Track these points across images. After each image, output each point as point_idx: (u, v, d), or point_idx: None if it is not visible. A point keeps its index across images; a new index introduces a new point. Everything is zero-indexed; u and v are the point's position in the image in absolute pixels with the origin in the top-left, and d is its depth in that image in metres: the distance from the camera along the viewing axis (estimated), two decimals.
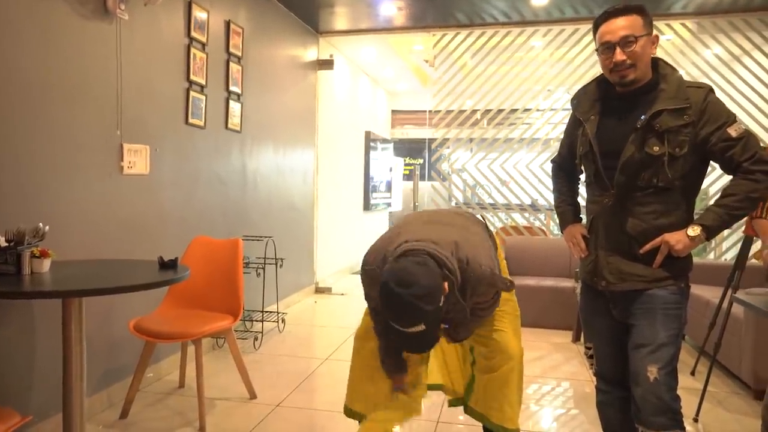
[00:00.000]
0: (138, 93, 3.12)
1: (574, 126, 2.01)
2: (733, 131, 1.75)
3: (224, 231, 4.10)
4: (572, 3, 4.96)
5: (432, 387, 2.35)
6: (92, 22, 2.78)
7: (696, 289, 4.13)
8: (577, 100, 1.97)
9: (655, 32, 1.83)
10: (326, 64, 6.08)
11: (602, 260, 1.88)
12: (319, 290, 6.14)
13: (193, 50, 3.63)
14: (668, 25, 5.34)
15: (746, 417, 2.97)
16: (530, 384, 3.44)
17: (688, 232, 1.77)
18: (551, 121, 5.96)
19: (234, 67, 4.16)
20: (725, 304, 3.48)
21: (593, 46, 5.46)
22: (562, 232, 2.12)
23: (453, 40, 5.82)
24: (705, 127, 1.75)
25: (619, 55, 1.74)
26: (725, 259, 5.61)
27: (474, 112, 6.03)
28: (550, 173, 2.26)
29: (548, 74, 5.83)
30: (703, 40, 5.40)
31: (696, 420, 2.90)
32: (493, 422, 2.16)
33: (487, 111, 6.03)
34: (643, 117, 1.76)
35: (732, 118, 1.77)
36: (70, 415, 2.13)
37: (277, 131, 4.95)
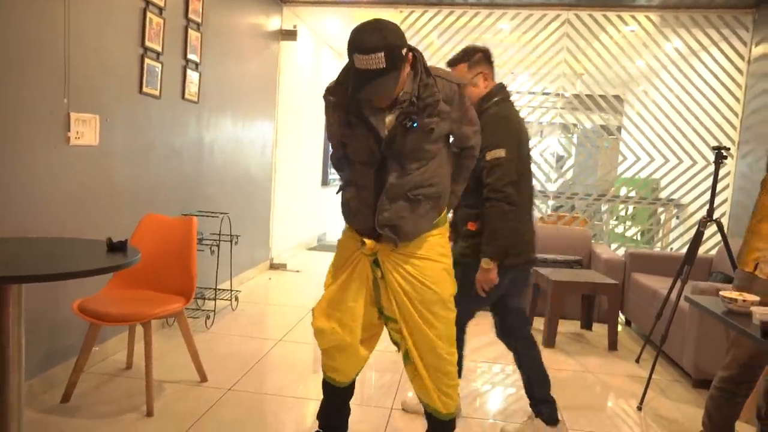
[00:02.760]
0: (88, 58, 2.93)
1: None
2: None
3: (178, 206, 3.96)
4: None
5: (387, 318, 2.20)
6: None
7: (643, 279, 4.28)
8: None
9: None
10: (290, 34, 5.89)
11: None
12: (273, 266, 6.05)
13: (149, 14, 3.42)
14: (633, 17, 5.40)
15: (687, 405, 3.10)
16: (482, 369, 3.49)
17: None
18: (517, 104, 5.97)
19: (193, 33, 3.97)
20: (674, 296, 3.60)
21: (560, 32, 5.47)
22: None
23: (420, 18, 5.72)
24: None
25: None
26: (671, 249, 5.81)
27: None
28: None
29: (514, 58, 5.82)
30: (665, 34, 5.49)
31: (640, 408, 3.01)
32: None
33: None
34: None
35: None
36: (7, 401, 2.01)
37: (236, 102, 4.78)
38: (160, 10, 3.55)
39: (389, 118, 1.96)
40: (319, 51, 7.47)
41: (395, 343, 2.20)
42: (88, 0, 2.90)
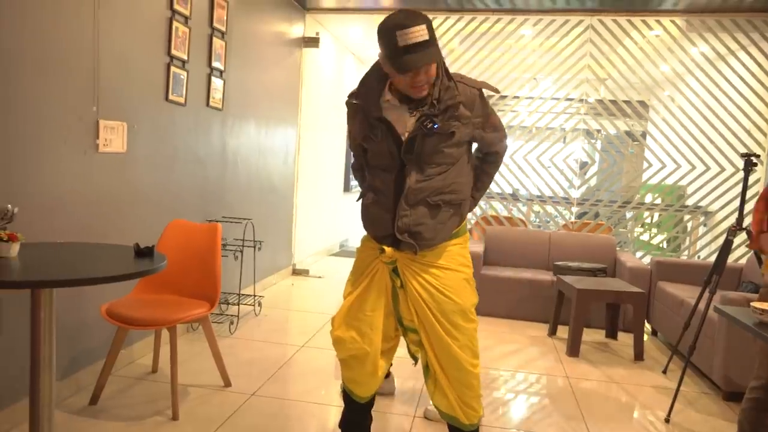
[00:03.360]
0: (116, 67, 2.99)
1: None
2: None
3: (202, 212, 4.00)
4: None
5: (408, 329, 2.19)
6: None
7: (669, 287, 4.20)
8: None
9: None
10: (312, 41, 5.93)
11: None
12: (296, 272, 6.08)
13: (175, 23, 3.48)
14: (658, 21, 5.33)
15: (716, 418, 3.03)
16: (505, 378, 3.46)
17: None
18: (540, 110, 5.94)
19: (217, 42, 4.02)
20: (702, 306, 3.53)
21: (583, 37, 5.42)
22: None
23: (442, 25, 5.72)
24: None
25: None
26: (698, 257, 5.70)
27: None
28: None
29: (537, 63, 5.79)
30: (690, 38, 5.40)
31: (667, 421, 2.94)
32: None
33: None
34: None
35: None
36: (37, 402, 2.05)
37: (259, 109, 4.83)
38: (186, 19, 3.60)
39: (410, 122, 1.97)
40: (342, 58, 7.52)
41: (413, 356, 2.18)
42: (117, 10, 2.96)
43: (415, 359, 2.20)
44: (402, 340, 2.25)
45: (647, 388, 3.41)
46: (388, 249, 2.01)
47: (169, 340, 2.67)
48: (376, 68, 2.02)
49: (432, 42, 1.82)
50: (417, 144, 1.94)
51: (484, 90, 2.04)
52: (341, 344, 2.13)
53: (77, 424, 2.54)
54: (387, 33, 1.82)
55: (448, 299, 2.04)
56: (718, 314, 2.76)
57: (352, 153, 2.23)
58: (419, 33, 1.79)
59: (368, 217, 2.10)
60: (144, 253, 2.22)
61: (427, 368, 2.12)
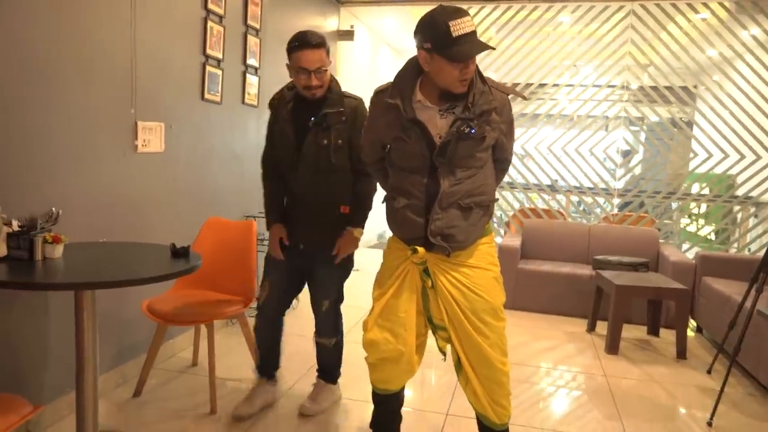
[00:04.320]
0: (153, 69, 3.05)
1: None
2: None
3: (239, 209, 4.07)
4: None
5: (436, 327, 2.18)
6: None
7: (715, 283, 4.05)
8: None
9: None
10: (347, 35, 5.93)
11: None
12: None
13: (210, 23, 3.53)
14: (705, 4, 5.11)
15: (763, 422, 2.92)
16: (541, 375, 3.42)
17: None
18: (581, 97, 5.79)
19: (252, 39, 4.07)
20: (748, 304, 3.39)
21: (624, 23, 5.25)
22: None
23: (477, 14, 5.63)
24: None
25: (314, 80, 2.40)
26: (749, 250, 5.48)
27: None
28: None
29: (577, 50, 5.64)
30: (740, 20, 5.16)
31: (710, 424, 2.86)
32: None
33: (515, 85, 5.86)
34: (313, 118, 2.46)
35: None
36: (83, 396, 2.14)
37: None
38: (221, 18, 3.65)
39: (441, 123, 1.95)
40: (377, 49, 7.49)
41: (441, 351, 2.18)
42: (152, 14, 3.02)
43: (444, 354, 2.20)
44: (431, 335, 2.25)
45: (689, 388, 3.32)
46: (420, 249, 2.01)
47: (206, 336, 2.74)
48: (408, 67, 2.01)
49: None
50: (451, 148, 1.93)
51: (510, 95, 2.03)
52: (375, 346, 2.14)
53: (122, 415, 2.64)
54: (437, 25, 1.81)
55: (480, 297, 2.03)
56: (761, 317, 2.65)
57: (362, 145, 2.25)
58: (471, 23, 1.82)
59: (398, 221, 2.09)
60: (180, 253, 2.28)
61: (458, 364, 2.12)
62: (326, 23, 5.59)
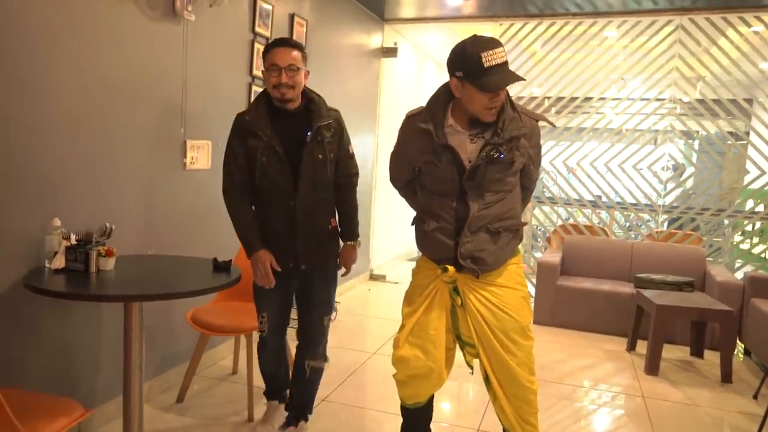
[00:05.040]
0: (201, 90, 3.23)
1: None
2: (350, 149, 2.59)
3: None
4: None
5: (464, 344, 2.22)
6: (160, 24, 2.89)
7: (765, 305, 3.92)
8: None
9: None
10: (390, 51, 6.05)
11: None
12: (373, 277, 6.23)
13: (256, 45, 3.70)
14: (758, 18, 4.96)
15: None
16: (577, 393, 3.39)
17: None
18: (628, 111, 5.70)
19: None
20: None
21: (672, 38, 5.14)
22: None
23: (521, 30, 5.64)
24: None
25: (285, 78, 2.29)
26: None
27: (543, 99, 5.86)
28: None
29: (624, 64, 5.57)
30: None
31: None
32: None
33: (559, 99, 5.83)
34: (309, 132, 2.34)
35: (349, 140, 2.57)
36: (129, 401, 2.29)
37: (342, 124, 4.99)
38: (267, 40, 3.81)
39: (471, 148, 2.01)
40: (421, 64, 7.58)
41: (469, 365, 2.22)
42: (203, 38, 3.20)
43: (471, 368, 2.24)
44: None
45: (733, 414, 3.22)
46: (450, 268, 2.06)
47: (245, 345, 2.86)
48: (441, 93, 2.07)
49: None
50: (480, 172, 1.99)
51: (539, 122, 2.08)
52: (405, 363, 2.19)
53: (165, 420, 2.79)
54: (470, 55, 1.88)
55: (509, 316, 2.07)
56: None
57: (391, 167, 2.32)
58: (503, 54, 1.89)
59: (428, 243, 2.15)
60: (222, 267, 2.41)
61: (487, 379, 2.16)
62: (371, 41, 5.72)
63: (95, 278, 2.19)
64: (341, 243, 2.61)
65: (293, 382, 2.65)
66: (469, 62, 1.88)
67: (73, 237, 2.30)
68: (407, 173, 2.23)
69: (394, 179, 2.34)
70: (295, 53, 2.33)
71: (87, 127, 2.51)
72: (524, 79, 1.97)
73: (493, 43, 1.88)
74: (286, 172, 2.32)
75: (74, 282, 2.12)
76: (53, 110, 2.34)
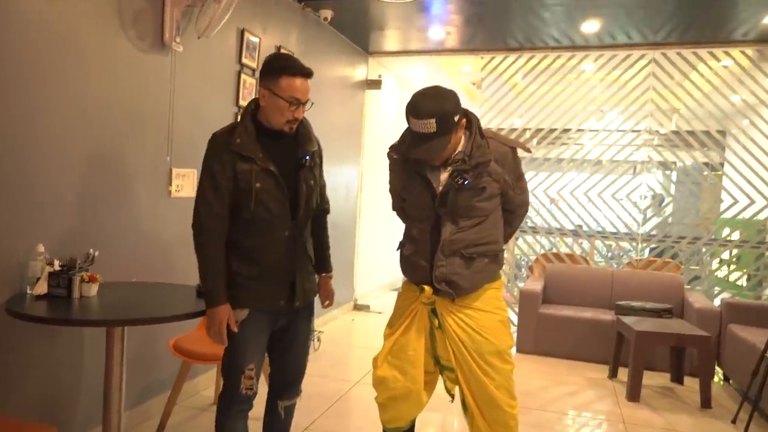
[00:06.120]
0: (188, 119, 3.28)
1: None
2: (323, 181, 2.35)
3: None
4: (625, 29, 4.88)
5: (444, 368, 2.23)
6: (149, 55, 2.95)
7: (741, 331, 4.00)
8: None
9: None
10: (374, 83, 6.17)
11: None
12: (357, 307, 6.22)
13: (243, 76, 3.78)
14: (726, 53, 5.18)
15: None
16: (559, 421, 3.40)
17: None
18: (606, 142, 5.84)
19: None
20: None
21: (646, 71, 5.30)
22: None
23: (502, 63, 5.81)
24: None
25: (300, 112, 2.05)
26: None
27: (524, 131, 5.99)
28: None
29: (602, 96, 5.74)
30: (762, 68, 5.20)
31: None
32: None
33: (539, 130, 5.97)
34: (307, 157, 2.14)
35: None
36: (109, 429, 2.27)
37: (323, 150, 5.05)
38: (253, 71, 3.89)
39: (444, 176, 2.07)
40: (405, 95, 7.71)
41: (449, 392, 2.24)
42: (190, 68, 3.27)
43: (452, 396, 2.26)
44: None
45: None
46: (427, 288, 2.10)
47: None
48: None
49: (439, 133, 1.94)
50: (450, 198, 2.05)
51: (515, 147, 2.14)
52: (384, 384, 2.21)
53: None
54: (406, 109, 2.00)
55: (485, 340, 2.10)
56: None
57: (392, 202, 2.35)
58: (426, 125, 1.93)
59: (407, 267, 2.21)
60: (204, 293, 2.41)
61: (464, 404, 2.18)
62: (355, 73, 5.84)
63: (77, 304, 2.19)
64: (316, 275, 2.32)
65: (267, 427, 2.32)
66: (406, 115, 2.02)
67: (56, 263, 2.30)
68: (401, 203, 2.27)
69: (396, 210, 2.35)
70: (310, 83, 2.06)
71: (73, 154, 2.54)
72: (441, 157, 2.03)
73: (423, 113, 1.93)
74: (284, 200, 2.04)
75: (56, 307, 2.12)
76: (40, 137, 2.38)
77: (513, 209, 2.23)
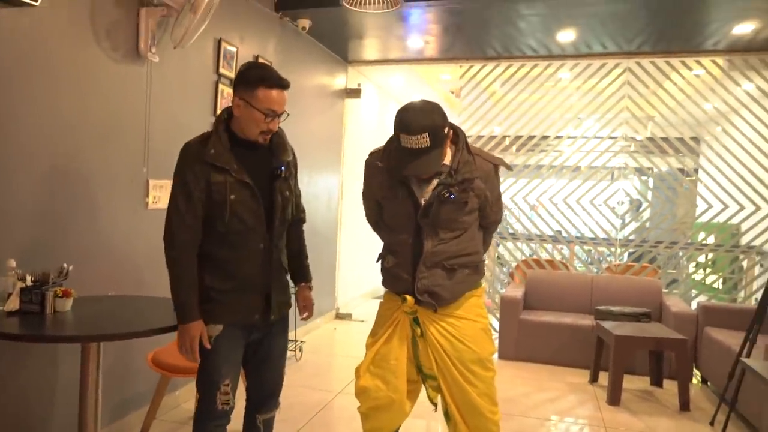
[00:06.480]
0: (165, 130, 3.25)
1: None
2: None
3: None
4: (600, 39, 4.96)
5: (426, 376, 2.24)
6: (124, 66, 2.92)
7: (717, 334, 4.06)
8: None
9: None
10: (354, 92, 6.18)
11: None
12: (339, 316, 6.20)
13: (221, 86, 3.76)
14: (698, 62, 5.29)
15: None
16: (541, 426, 3.42)
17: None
18: (583, 149, 5.91)
19: None
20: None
21: (621, 79, 5.39)
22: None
23: (480, 71, 5.86)
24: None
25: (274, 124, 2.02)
26: (756, 300, 5.46)
27: (503, 138, 6.05)
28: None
29: (579, 103, 5.81)
30: (733, 77, 5.32)
31: None
32: None
33: (518, 137, 6.02)
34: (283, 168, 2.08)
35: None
36: None
37: (303, 158, 4.99)
38: (231, 80, 3.87)
39: (429, 188, 2.09)
40: (385, 104, 7.76)
41: (432, 401, 2.25)
42: (167, 78, 3.24)
43: (435, 405, 2.26)
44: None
45: None
46: (410, 298, 2.11)
47: None
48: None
49: (433, 147, 1.95)
50: (433, 210, 2.06)
51: (497, 165, 2.17)
52: (366, 393, 2.21)
53: None
54: (396, 126, 2.00)
55: (467, 347, 2.12)
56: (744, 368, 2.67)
57: (364, 205, 2.35)
58: (420, 141, 1.94)
59: (389, 278, 2.22)
60: None
61: (446, 413, 2.18)
62: (334, 82, 5.85)
63: (51, 319, 2.14)
64: (292, 285, 2.28)
65: None
66: (394, 128, 2.02)
67: (28, 278, 2.25)
68: (376, 211, 2.29)
69: (368, 217, 2.38)
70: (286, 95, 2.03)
71: (46, 165, 2.50)
72: (434, 170, 2.03)
73: (415, 129, 1.93)
74: (259, 211, 2.00)
75: (28, 324, 2.08)
76: (12, 148, 2.34)
77: (488, 225, 2.26)
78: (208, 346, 1.99)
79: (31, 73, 2.40)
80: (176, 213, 1.98)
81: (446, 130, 2.00)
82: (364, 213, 2.39)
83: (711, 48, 5.06)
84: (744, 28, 4.50)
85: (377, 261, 2.29)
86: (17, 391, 2.41)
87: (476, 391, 2.11)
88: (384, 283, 2.26)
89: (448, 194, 2.04)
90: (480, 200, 2.11)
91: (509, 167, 2.25)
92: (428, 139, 1.93)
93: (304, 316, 2.35)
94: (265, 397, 2.23)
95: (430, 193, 2.07)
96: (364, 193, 2.33)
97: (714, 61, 5.25)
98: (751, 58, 5.11)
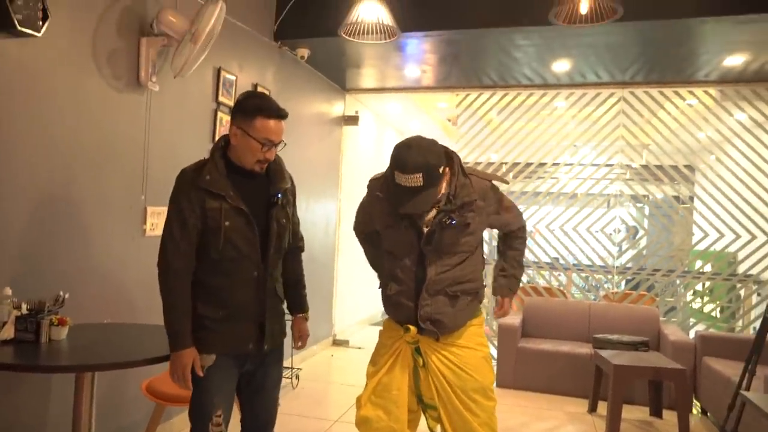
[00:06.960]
0: (163, 158, 3.27)
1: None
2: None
3: None
4: (594, 68, 5.03)
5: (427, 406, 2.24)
6: (125, 95, 2.95)
7: (716, 364, 4.03)
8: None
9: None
10: (351, 120, 6.24)
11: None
12: (336, 342, 6.15)
13: (220, 114, 3.79)
14: (690, 92, 5.36)
15: None
16: None
17: None
18: (580, 176, 5.96)
19: None
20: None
21: (616, 109, 5.46)
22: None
23: (477, 100, 5.93)
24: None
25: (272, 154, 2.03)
26: (754, 329, 5.44)
27: (500, 165, 6.09)
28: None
29: (575, 131, 5.87)
30: (725, 107, 5.40)
31: None
32: None
33: (515, 164, 6.07)
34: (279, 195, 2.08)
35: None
36: None
37: (301, 186, 5.02)
38: (230, 108, 3.91)
39: (430, 216, 2.10)
40: (382, 131, 7.82)
41: (431, 430, 2.23)
42: (166, 107, 3.28)
43: None
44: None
45: None
46: (412, 328, 2.11)
47: None
48: None
49: (426, 186, 1.96)
50: (436, 237, 2.09)
51: (493, 181, 2.19)
52: (367, 424, 2.19)
53: None
54: (392, 163, 2.01)
55: (470, 376, 2.12)
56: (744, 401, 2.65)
57: (357, 215, 2.37)
58: (414, 180, 1.95)
59: (391, 306, 2.22)
60: None
61: None
62: (332, 109, 5.91)
63: (45, 348, 2.13)
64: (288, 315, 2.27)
65: None
66: (391, 163, 2.03)
67: (24, 306, 2.24)
68: (369, 225, 2.31)
69: (357, 227, 2.41)
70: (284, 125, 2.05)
71: (45, 193, 2.51)
72: (428, 208, 2.04)
73: (409, 168, 1.94)
74: (254, 239, 1.98)
75: (22, 353, 2.06)
76: (10, 175, 2.35)
77: (509, 230, 2.29)
78: (201, 374, 1.96)
79: (32, 103, 2.43)
80: (171, 240, 1.98)
81: (441, 169, 2.02)
82: (353, 224, 2.43)
83: (703, 78, 5.14)
84: (734, 60, 4.58)
85: (379, 288, 2.29)
86: (8, 422, 2.38)
87: (478, 421, 2.09)
88: (386, 310, 2.27)
89: (449, 220, 2.06)
90: (483, 218, 2.14)
91: (504, 180, 2.28)
92: (421, 179, 1.95)
93: (297, 346, 2.34)
94: (259, 427, 2.21)
95: (431, 221, 2.09)
96: (363, 206, 2.36)
97: (707, 92, 5.32)
98: (743, 89, 5.19)
